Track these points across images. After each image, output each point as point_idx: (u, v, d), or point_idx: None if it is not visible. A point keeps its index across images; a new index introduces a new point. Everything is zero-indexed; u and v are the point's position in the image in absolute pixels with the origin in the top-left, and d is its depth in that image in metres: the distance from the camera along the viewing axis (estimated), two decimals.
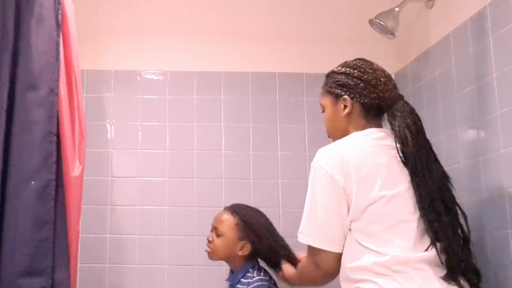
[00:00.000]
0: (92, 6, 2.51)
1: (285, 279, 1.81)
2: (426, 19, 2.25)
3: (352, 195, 1.43)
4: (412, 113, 1.53)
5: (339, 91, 1.60)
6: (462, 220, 1.50)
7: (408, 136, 1.48)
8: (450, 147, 1.98)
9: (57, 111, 1.80)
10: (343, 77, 1.60)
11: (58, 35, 1.84)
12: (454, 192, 1.51)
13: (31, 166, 1.73)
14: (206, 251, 1.96)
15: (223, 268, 2.24)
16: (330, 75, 1.66)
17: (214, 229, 1.96)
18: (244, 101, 2.50)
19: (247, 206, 2.00)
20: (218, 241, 1.93)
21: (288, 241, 1.89)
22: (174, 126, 2.46)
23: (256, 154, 2.46)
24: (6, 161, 1.74)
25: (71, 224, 1.79)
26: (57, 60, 1.82)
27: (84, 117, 1.96)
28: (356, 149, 1.49)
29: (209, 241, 1.95)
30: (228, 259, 1.95)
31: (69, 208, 1.79)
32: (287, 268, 1.81)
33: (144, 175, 2.42)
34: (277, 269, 1.89)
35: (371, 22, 2.19)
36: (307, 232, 1.49)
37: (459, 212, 1.49)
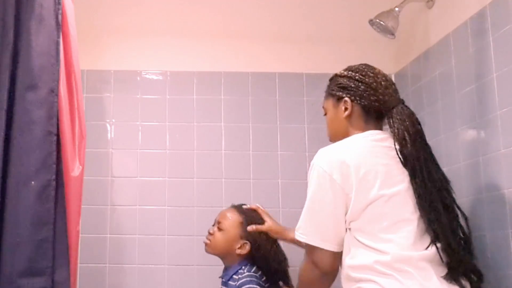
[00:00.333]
0: (92, 6, 2.50)
1: None
2: (426, 19, 2.25)
3: (351, 194, 1.44)
4: (411, 116, 1.54)
5: (340, 93, 1.63)
6: (463, 222, 1.50)
7: (406, 137, 1.49)
8: (450, 147, 1.98)
9: (57, 111, 1.79)
10: (345, 80, 1.63)
11: (58, 35, 1.83)
12: (454, 195, 1.52)
13: (31, 166, 1.72)
14: (204, 242, 1.96)
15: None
16: (333, 78, 1.70)
17: (217, 223, 1.96)
18: (244, 101, 2.49)
19: (257, 213, 1.99)
20: (218, 235, 1.93)
21: None
22: (174, 126, 2.46)
23: (256, 154, 2.46)
24: (6, 161, 1.73)
25: (71, 224, 1.79)
26: (57, 60, 1.82)
27: (84, 117, 1.96)
28: (356, 150, 1.51)
29: (210, 234, 1.95)
30: (224, 255, 1.95)
31: (69, 208, 1.79)
32: None
33: (144, 175, 2.42)
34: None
35: (371, 22, 2.19)
36: (304, 230, 1.51)
37: (459, 213, 1.50)
